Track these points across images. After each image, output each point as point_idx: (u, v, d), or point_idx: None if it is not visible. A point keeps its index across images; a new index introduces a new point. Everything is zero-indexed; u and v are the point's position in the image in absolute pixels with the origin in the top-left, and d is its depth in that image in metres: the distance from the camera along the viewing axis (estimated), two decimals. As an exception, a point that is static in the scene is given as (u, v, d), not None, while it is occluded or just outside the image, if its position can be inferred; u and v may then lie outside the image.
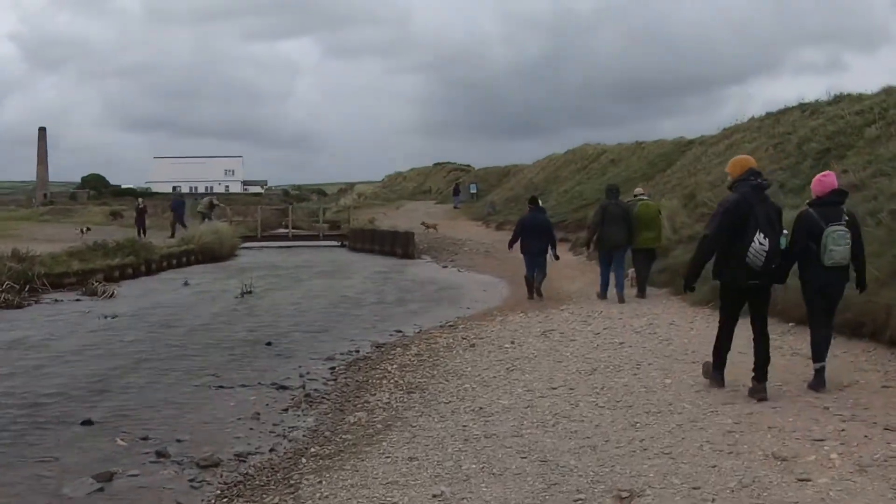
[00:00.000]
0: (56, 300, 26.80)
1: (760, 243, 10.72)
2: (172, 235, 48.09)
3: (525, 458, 9.26)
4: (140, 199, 60.24)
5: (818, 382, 11.35)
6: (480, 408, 11.68)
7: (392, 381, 14.33)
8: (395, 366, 15.63)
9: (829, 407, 10.40)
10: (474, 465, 9.15)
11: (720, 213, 11.16)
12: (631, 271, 22.47)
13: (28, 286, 27.83)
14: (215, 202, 58.43)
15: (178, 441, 11.71)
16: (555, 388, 12.47)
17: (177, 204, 54.03)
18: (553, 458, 9.14)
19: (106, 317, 22.99)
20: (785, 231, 11.18)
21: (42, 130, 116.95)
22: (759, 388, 11.11)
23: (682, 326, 16.91)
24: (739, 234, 10.85)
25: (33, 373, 16.20)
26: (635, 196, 23.30)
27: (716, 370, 11.86)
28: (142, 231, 49.28)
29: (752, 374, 11.27)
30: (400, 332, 20.18)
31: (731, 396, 11.25)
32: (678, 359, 13.92)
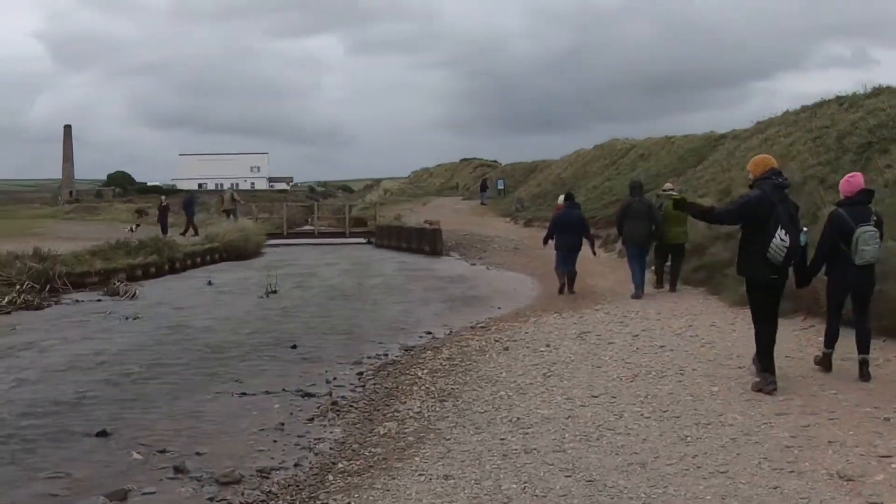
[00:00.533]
0: (77, 301, 26.38)
1: (782, 239, 11.01)
2: (196, 233, 47.46)
3: (570, 476, 8.60)
4: (163, 197, 59.76)
5: (827, 365, 12.29)
6: (518, 418, 11.03)
7: (423, 387, 13.68)
8: (425, 371, 14.98)
9: (891, 418, 9.90)
10: (515, 485, 8.48)
11: (740, 204, 11.69)
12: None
13: (49, 286, 27.53)
14: (236, 197, 57.83)
15: (198, 454, 11.10)
16: (596, 397, 11.82)
17: (188, 201, 53.44)
18: (600, 478, 8.48)
19: (126, 318, 22.53)
20: (804, 228, 11.59)
21: (67, 128, 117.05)
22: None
23: (724, 328, 16.28)
24: (762, 231, 11.15)
25: (48, 379, 15.65)
26: (664, 191, 23.21)
27: (764, 372, 11.61)
28: (165, 229, 48.64)
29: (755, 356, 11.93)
30: (430, 333, 19.58)
31: (784, 406, 10.66)
32: (722, 364, 13.31)
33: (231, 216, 52.17)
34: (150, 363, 16.92)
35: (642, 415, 10.72)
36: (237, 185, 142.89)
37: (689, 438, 9.56)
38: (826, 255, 11.81)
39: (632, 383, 12.48)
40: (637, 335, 16.30)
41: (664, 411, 10.80)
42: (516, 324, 19.11)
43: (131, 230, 47.24)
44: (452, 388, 13.26)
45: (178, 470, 10.41)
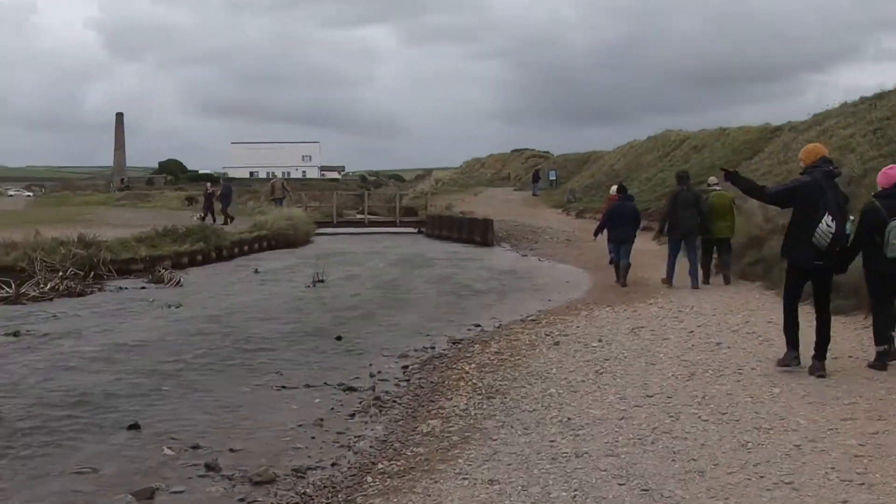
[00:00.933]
0: (120, 288, 26.25)
1: (828, 225, 11.23)
2: (230, 221, 46.82)
3: (623, 484, 8.02)
4: (209, 184, 59.41)
5: (881, 364, 11.76)
6: (568, 418, 10.46)
7: (470, 383, 13.15)
8: (473, 365, 14.47)
9: (966, 426, 9.19)
10: (565, 493, 7.92)
11: (789, 186, 12.23)
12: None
13: (93, 273, 27.49)
14: (286, 186, 57.52)
15: (231, 451, 10.64)
16: (650, 396, 11.24)
17: (227, 191, 52.60)
18: (656, 486, 7.90)
19: (169, 306, 22.25)
20: (851, 217, 11.79)
21: (119, 116, 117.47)
22: (817, 365, 11.71)
23: (781, 325, 15.62)
24: (810, 216, 11.40)
25: (82, 368, 15.32)
26: (709, 185, 23.43)
27: (790, 348, 12.10)
28: (210, 216, 48.28)
29: (813, 353, 11.82)
30: (478, 326, 19.11)
31: (850, 410, 10.02)
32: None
33: (280, 204, 51.90)
34: (188, 353, 16.56)
35: (700, 417, 10.13)
36: (289, 173, 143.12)
37: (749, 444, 8.96)
38: (861, 245, 11.83)
39: (688, 382, 11.90)
40: (692, 331, 15.70)
41: (723, 414, 10.20)
42: (567, 317, 18.61)
43: (200, 218, 46.96)
44: (500, 385, 12.73)
45: (209, 468, 9.95)
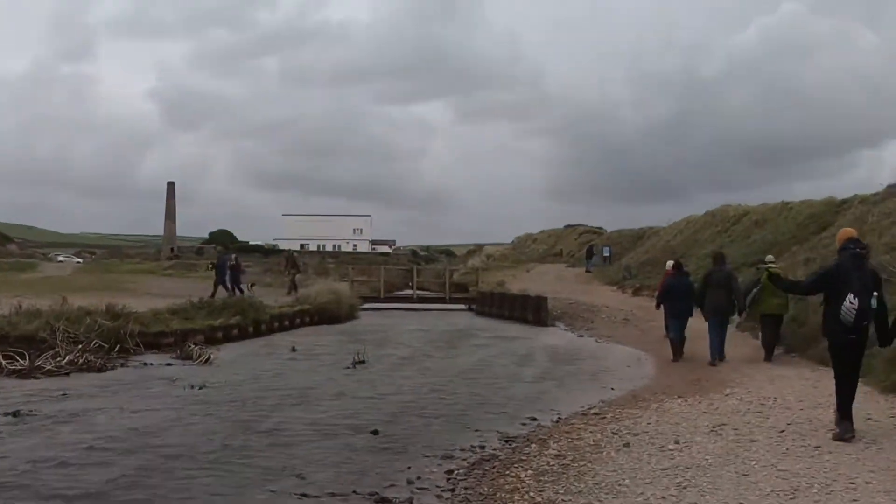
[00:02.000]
0: (144, 364, 24.72)
1: (851, 303, 12.25)
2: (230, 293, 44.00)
3: None
4: (234, 255, 56.91)
5: None
6: (652, 555, 8.36)
7: (526, 496, 10.97)
8: (529, 472, 12.26)
9: None
10: None
11: (818, 274, 13.88)
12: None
13: (119, 346, 26.04)
14: (294, 254, 56.31)
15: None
16: (751, 523, 9.10)
17: (222, 262, 46.84)
18: None
19: (192, 387, 20.42)
20: (875, 294, 12.52)
21: (170, 185, 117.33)
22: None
23: (884, 423, 13.69)
24: (836, 295, 12.52)
25: (71, 460, 13.32)
26: (764, 263, 24.38)
27: (842, 420, 12.74)
28: (236, 289, 45.20)
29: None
30: (535, 420, 16.96)
31: None
32: (898, 470, 10.53)
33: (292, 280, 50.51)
34: (199, 445, 14.62)
35: (820, 557, 8.02)
36: (339, 246, 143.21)
37: None
38: None
39: (793, 502, 9.74)
40: (783, 430, 13.62)
41: (848, 551, 8.09)
42: (635, 410, 16.53)
43: (249, 287, 45.32)
44: (563, 501, 10.54)
45: None
